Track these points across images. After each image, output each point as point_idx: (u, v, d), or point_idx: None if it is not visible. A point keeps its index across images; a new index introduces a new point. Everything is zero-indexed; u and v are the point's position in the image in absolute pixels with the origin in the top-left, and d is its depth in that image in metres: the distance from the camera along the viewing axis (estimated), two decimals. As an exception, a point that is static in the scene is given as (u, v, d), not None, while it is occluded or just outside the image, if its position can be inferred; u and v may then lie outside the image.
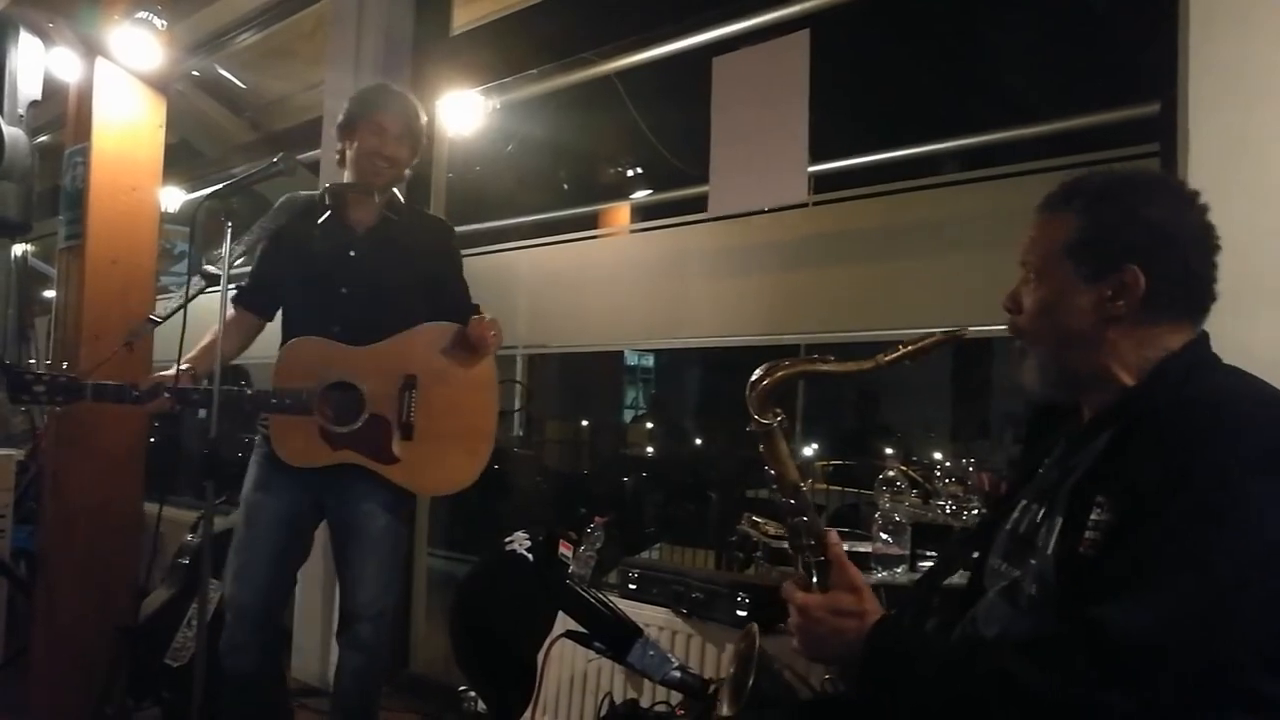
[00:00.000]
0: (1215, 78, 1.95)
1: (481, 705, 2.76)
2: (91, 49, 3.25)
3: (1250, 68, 1.90)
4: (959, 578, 1.54)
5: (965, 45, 4.41)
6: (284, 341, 2.46)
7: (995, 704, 1.11)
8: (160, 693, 3.02)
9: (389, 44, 3.80)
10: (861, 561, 2.25)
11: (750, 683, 1.48)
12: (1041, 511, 1.29)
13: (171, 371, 2.35)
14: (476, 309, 2.57)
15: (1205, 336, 1.27)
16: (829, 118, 2.87)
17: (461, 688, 2.95)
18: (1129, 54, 2.82)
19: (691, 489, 4.89)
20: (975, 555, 1.47)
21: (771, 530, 2.65)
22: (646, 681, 2.33)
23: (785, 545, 2.49)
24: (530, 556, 2.33)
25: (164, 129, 3.41)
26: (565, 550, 2.39)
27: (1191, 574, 1.06)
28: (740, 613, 2.41)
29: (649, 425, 6.63)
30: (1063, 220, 1.29)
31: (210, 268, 2.34)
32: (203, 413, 2.28)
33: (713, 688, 2.15)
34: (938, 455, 3.56)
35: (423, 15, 3.89)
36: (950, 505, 2.63)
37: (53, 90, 3.33)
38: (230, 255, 2.32)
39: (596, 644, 2.24)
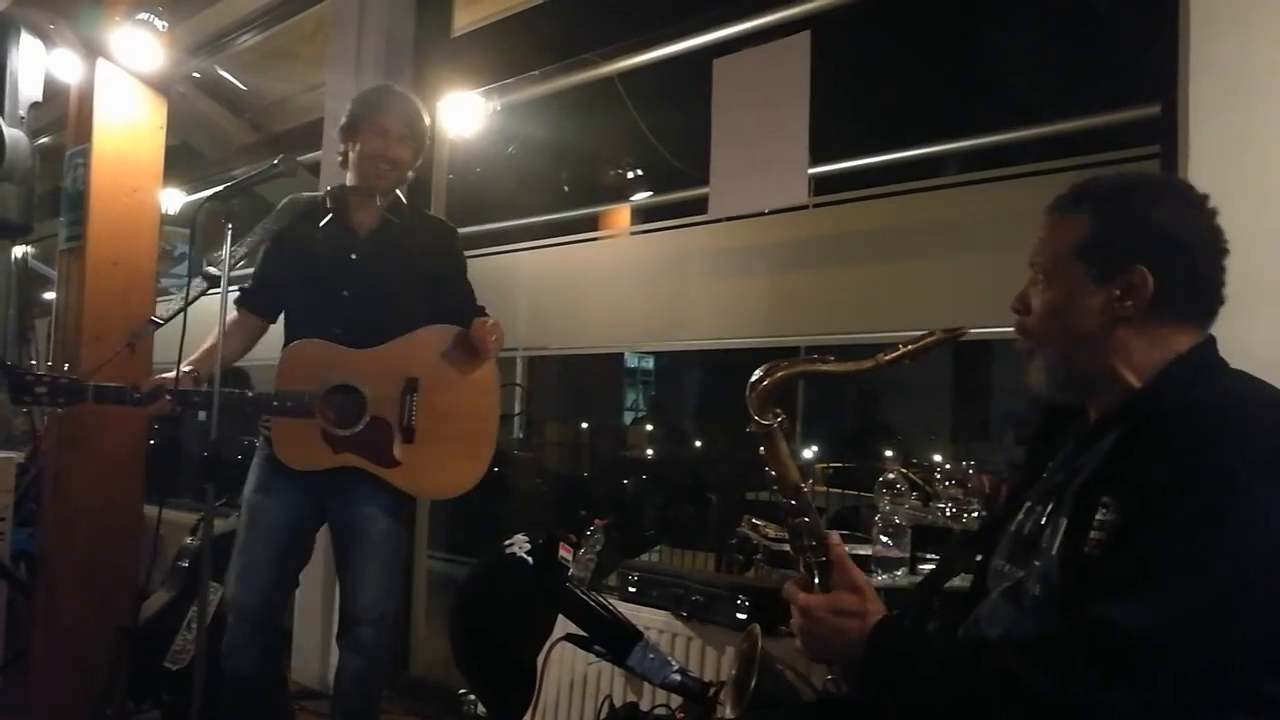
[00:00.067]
0: (1215, 79, 1.95)
1: (481, 708, 2.76)
2: (92, 50, 3.26)
3: (1250, 68, 1.90)
4: (960, 581, 1.54)
5: (966, 47, 4.41)
6: (286, 343, 2.46)
7: (997, 704, 1.11)
8: (160, 695, 3.03)
9: (390, 45, 3.81)
10: (862, 564, 2.23)
11: (753, 684, 1.48)
12: (1046, 512, 1.29)
13: (173, 374, 2.35)
14: (481, 310, 2.57)
15: (1212, 340, 1.27)
16: (830, 119, 2.87)
17: (461, 690, 2.95)
18: (1130, 55, 2.82)
19: (691, 491, 4.89)
20: (978, 558, 1.47)
21: (771, 533, 2.64)
22: (646, 685, 2.32)
23: (785, 547, 2.49)
24: (530, 559, 2.33)
25: (165, 130, 3.41)
26: (565, 553, 2.39)
27: (1195, 575, 1.07)
28: (740, 615, 2.40)
29: (649, 427, 6.63)
30: (1073, 222, 1.29)
31: (212, 269, 2.34)
32: (203, 415, 2.28)
33: (713, 691, 2.15)
34: (938, 457, 3.56)
35: (424, 16, 3.89)
36: (950, 508, 2.63)
37: (54, 92, 3.33)
38: (231, 257, 2.32)
39: (596, 647, 2.24)
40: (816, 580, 1.32)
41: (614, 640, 2.21)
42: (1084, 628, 1.08)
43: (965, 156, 3.71)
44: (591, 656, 2.30)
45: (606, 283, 3.44)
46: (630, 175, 5.92)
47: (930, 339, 1.36)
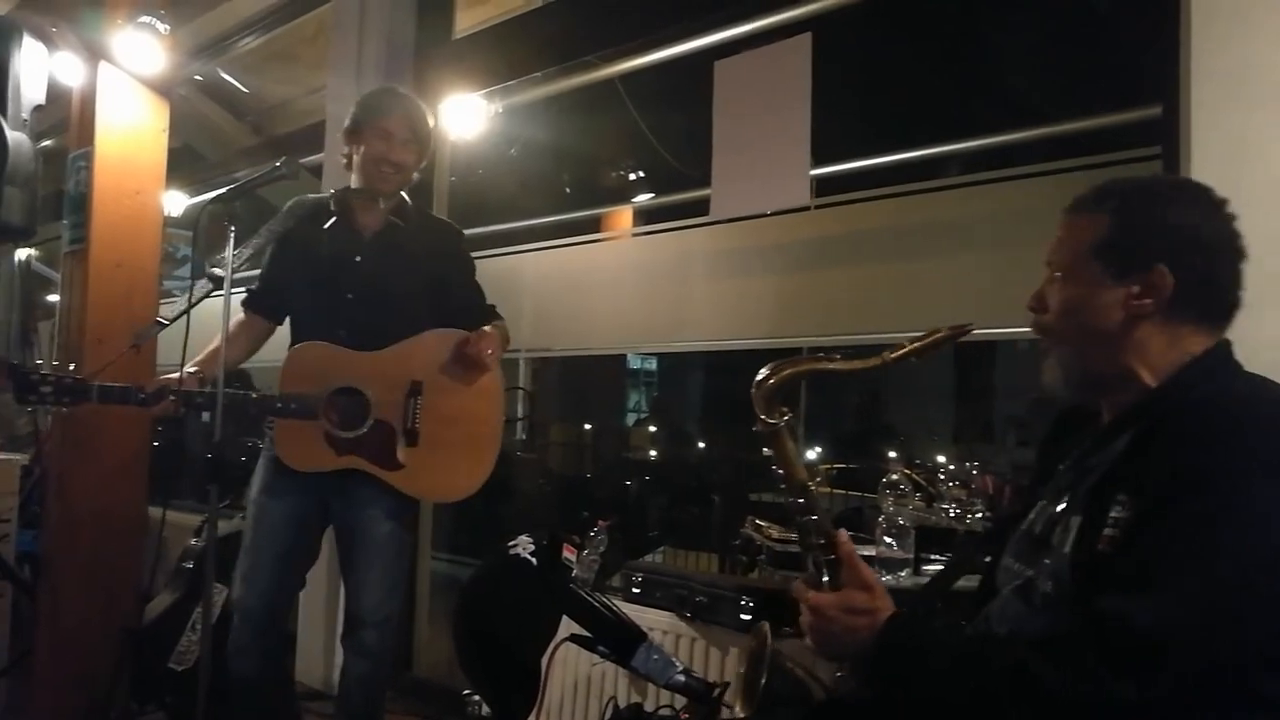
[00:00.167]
0: (1217, 80, 1.95)
1: (485, 709, 2.76)
2: (95, 53, 3.27)
3: (1252, 69, 1.90)
4: (965, 582, 1.55)
5: (967, 47, 4.41)
6: (291, 345, 2.47)
7: (1008, 700, 1.11)
8: (164, 697, 3.03)
9: (391, 48, 3.81)
10: (865, 565, 2.25)
11: (763, 682, 1.48)
12: (1058, 511, 1.29)
13: (178, 375, 2.35)
14: (492, 310, 2.58)
15: (1228, 343, 1.28)
16: (831, 120, 2.87)
17: (465, 691, 2.95)
18: (1131, 56, 2.82)
19: (695, 492, 4.89)
20: (988, 559, 1.47)
21: (775, 534, 2.65)
22: (650, 685, 2.32)
23: (789, 548, 2.50)
24: (534, 560, 2.33)
25: (167, 133, 3.41)
26: (569, 554, 2.39)
27: (1197, 574, 1.07)
28: (744, 616, 2.40)
29: (652, 428, 6.63)
30: (1093, 221, 1.29)
31: (217, 270, 2.35)
32: (207, 416, 2.29)
33: (717, 691, 2.15)
34: (941, 458, 3.56)
35: (425, 19, 3.89)
36: (954, 509, 2.63)
37: (56, 95, 3.33)
38: (236, 258, 2.32)
39: (600, 648, 2.24)
40: (825, 578, 1.32)
41: (618, 641, 2.20)
42: (1094, 624, 1.09)
43: (967, 157, 3.71)
44: (595, 657, 2.29)
45: (609, 284, 3.45)
46: (632, 177, 5.92)
47: (937, 335, 1.37)
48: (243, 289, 2.57)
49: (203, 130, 5.48)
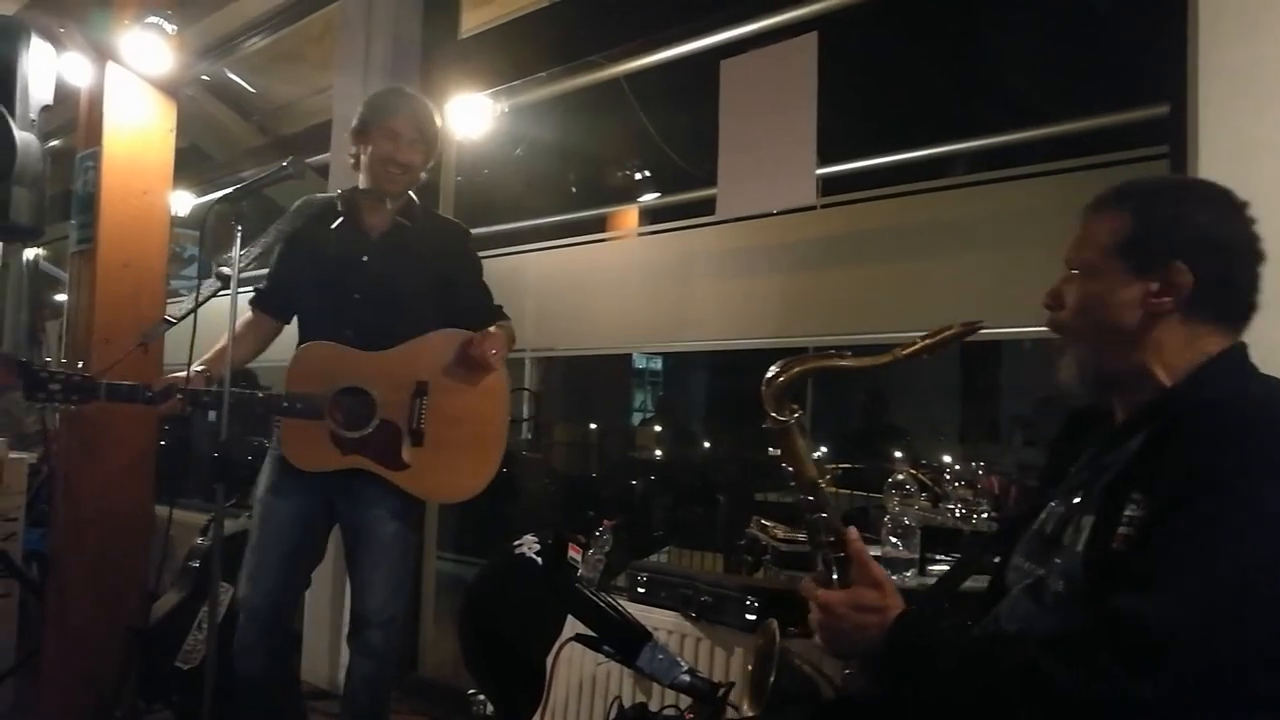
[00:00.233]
0: (1224, 79, 1.94)
1: (490, 708, 2.77)
2: (102, 54, 3.28)
3: (1260, 69, 1.90)
4: (972, 582, 1.54)
5: (973, 47, 4.40)
6: (299, 345, 2.47)
7: (1018, 698, 1.11)
8: (171, 695, 3.03)
9: (397, 48, 3.81)
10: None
11: (772, 680, 1.48)
12: (1070, 510, 1.29)
13: (185, 373, 2.36)
14: (499, 310, 2.58)
15: (1244, 345, 1.28)
16: (837, 120, 2.87)
17: (470, 691, 2.95)
18: (1138, 55, 2.82)
19: (700, 492, 4.88)
20: (997, 558, 1.47)
21: (780, 534, 2.64)
22: (656, 685, 2.32)
23: (795, 548, 2.50)
24: (539, 560, 2.33)
25: (174, 133, 3.42)
26: (574, 553, 2.39)
27: (1198, 573, 1.07)
28: (749, 616, 2.40)
29: (657, 428, 6.63)
30: (1114, 219, 1.29)
31: (225, 269, 2.35)
32: (213, 415, 2.29)
33: (722, 691, 2.15)
34: (947, 458, 3.56)
35: (431, 19, 3.90)
36: (960, 509, 2.63)
37: (64, 95, 3.34)
38: (243, 258, 2.33)
39: (605, 647, 2.24)
40: (835, 576, 1.32)
41: (623, 641, 2.20)
42: (1108, 622, 1.08)
43: (972, 157, 3.70)
44: (600, 657, 2.29)
45: (614, 284, 3.45)
46: (638, 176, 5.92)
47: (948, 333, 1.36)
48: (249, 288, 2.58)
49: (210, 130, 5.49)
